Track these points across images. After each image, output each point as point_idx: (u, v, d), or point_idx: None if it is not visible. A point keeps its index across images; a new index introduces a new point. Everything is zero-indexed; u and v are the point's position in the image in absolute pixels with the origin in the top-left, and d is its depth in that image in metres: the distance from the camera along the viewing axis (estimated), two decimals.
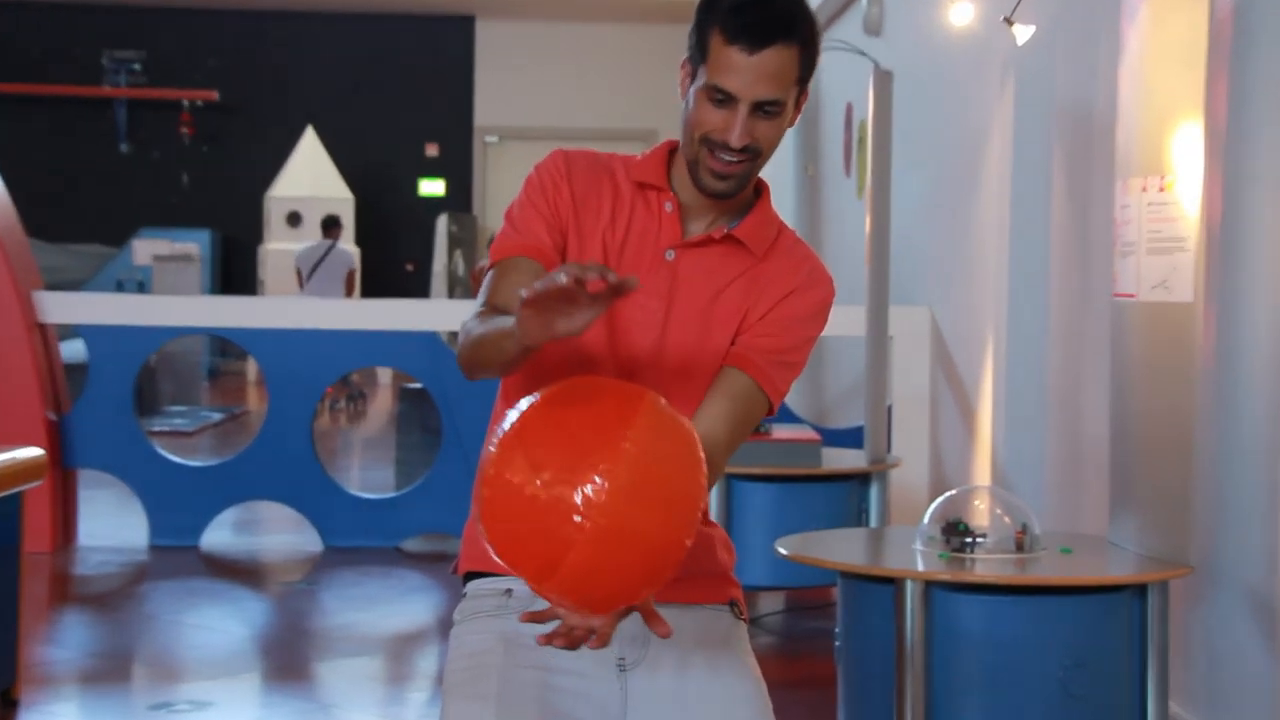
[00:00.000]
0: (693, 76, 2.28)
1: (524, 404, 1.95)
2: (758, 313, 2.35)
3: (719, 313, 2.33)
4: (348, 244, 19.85)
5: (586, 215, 2.32)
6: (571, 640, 1.99)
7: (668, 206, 2.33)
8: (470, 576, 2.43)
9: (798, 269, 2.38)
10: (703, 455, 1.96)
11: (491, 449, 1.93)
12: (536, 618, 2.00)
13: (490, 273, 2.30)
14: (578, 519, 1.83)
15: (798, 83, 2.28)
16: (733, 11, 2.22)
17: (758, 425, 2.36)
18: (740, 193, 2.32)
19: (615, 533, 1.84)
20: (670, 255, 2.33)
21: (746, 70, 2.21)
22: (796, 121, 2.36)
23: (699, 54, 2.26)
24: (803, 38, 2.25)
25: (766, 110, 2.25)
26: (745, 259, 2.35)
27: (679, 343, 2.31)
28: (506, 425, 1.93)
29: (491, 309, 2.21)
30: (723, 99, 2.23)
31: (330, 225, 16.58)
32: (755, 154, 2.26)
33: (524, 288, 1.88)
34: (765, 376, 2.32)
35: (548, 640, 2.01)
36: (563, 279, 1.82)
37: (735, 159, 2.25)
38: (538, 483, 1.85)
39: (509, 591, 2.32)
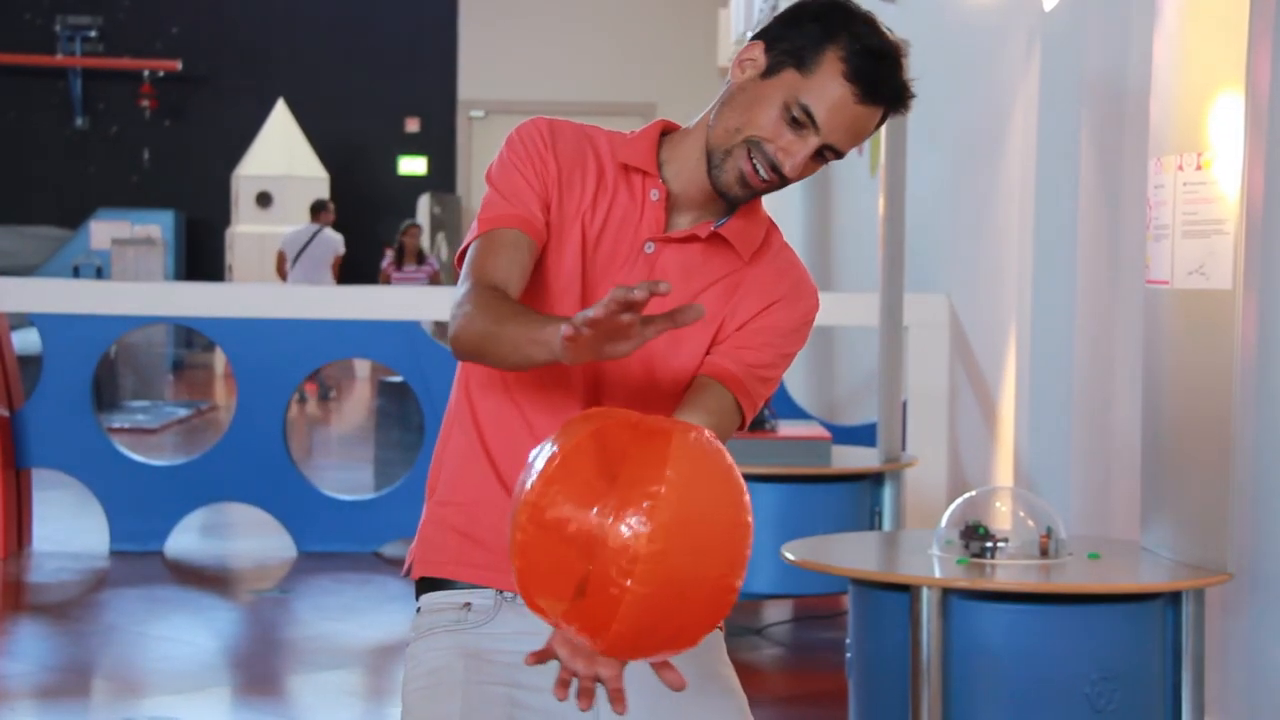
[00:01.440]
0: (773, 70, 2.27)
1: (551, 448, 1.96)
2: (736, 321, 2.34)
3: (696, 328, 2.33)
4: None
5: (569, 194, 2.30)
6: (579, 693, 2.02)
7: (653, 195, 2.32)
8: (425, 585, 2.42)
9: (782, 278, 2.38)
10: (744, 485, 1.97)
11: (524, 490, 1.94)
12: (540, 658, 2.03)
13: (477, 242, 2.28)
14: (627, 581, 1.85)
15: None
16: (867, 54, 2.25)
17: (731, 433, 2.36)
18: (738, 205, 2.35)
19: (664, 578, 1.86)
20: (650, 248, 2.31)
21: (845, 113, 2.25)
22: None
23: (800, 59, 2.25)
24: (896, 107, 2.34)
25: (826, 154, 2.28)
26: (729, 261, 2.35)
27: (647, 346, 2.28)
28: (540, 464, 1.94)
29: (480, 284, 2.20)
30: (798, 122, 2.24)
31: (318, 210, 16.75)
32: (786, 182, 2.28)
33: (566, 321, 1.93)
34: (744, 392, 2.33)
35: (536, 660, 2.04)
36: (617, 313, 1.87)
37: (771, 179, 2.27)
38: (578, 520, 1.88)
39: (468, 605, 2.32)
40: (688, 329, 2.28)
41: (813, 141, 2.24)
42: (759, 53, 2.30)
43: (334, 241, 16.69)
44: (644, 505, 1.86)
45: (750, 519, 1.95)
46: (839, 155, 2.28)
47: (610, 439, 1.93)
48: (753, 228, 2.36)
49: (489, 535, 2.28)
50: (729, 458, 1.97)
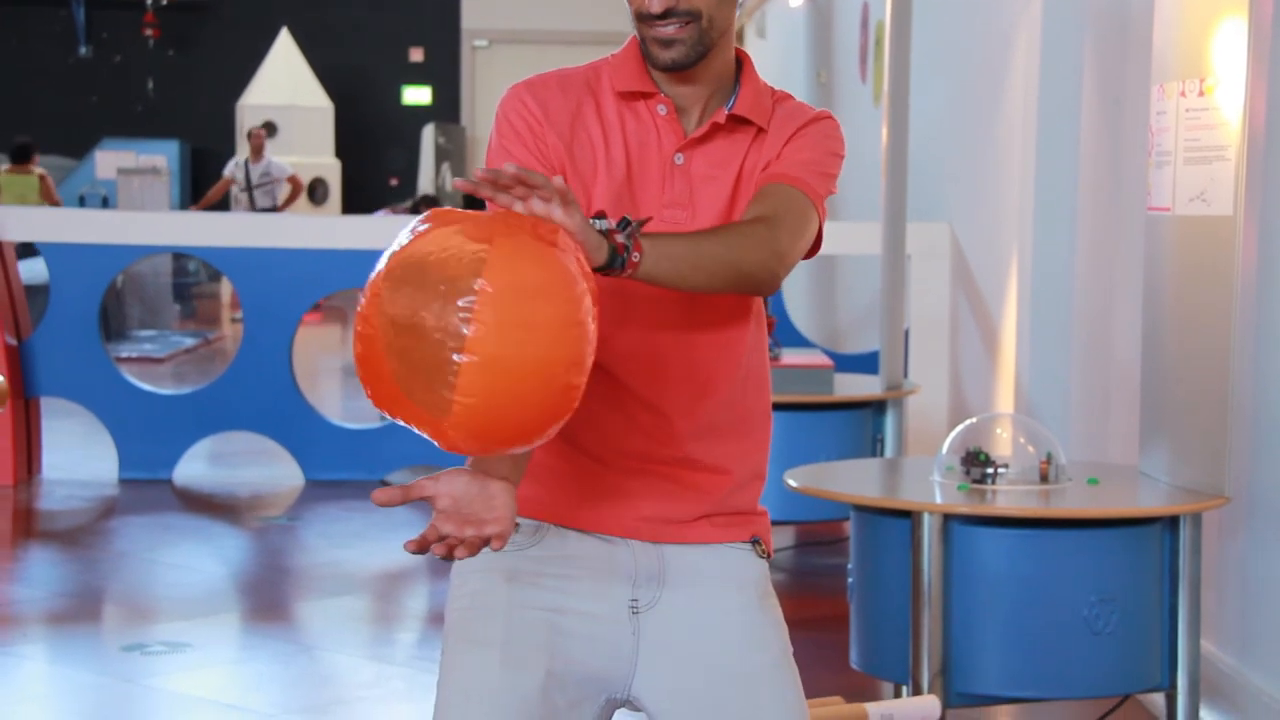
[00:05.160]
0: None
1: (389, 256, 1.98)
2: (765, 162, 2.31)
3: (744, 195, 2.30)
4: (326, 155, 19.92)
5: (580, 150, 2.28)
6: (466, 550, 2.03)
7: (661, 110, 2.30)
8: None
9: (797, 115, 2.34)
10: (579, 289, 1.94)
11: (364, 292, 1.96)
12: (419, 547, 2.04)
13: None
14: (458, 357, 1.87)
15: None
16: None
17: (813, 225, 2.29)
18: (699, 62, 2.26)
19: (495, 364, 1.88)
20: (680, 159, 2.29)
21: None
22: None
23: None
24: None
25: None
26: (750, 132, 2.32)
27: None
28: (376, 269, 1.96)
29: None
30: None
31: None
32: (691, 14, 2.21)
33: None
34: (802, 182, 2.27)
35: (419, 548, 2.03)
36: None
37: (669, 24, 2.21)
38: (417, 317, 1.90)
39: (515, 525, 2.32)
40: (744, 206, 2.27)
41: None
42: None
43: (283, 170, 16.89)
44: (472, 299, 1.88)
45: (586, 318, 1.94)
46: None
47: (438, 237, 1.95)
48: (760, 96, 2.33)
49: (534, 469, 2.28)
50: (559, 259, 1.94)
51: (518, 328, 1.88)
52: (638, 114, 2.30)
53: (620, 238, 1.99)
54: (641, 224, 2.03)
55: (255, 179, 16.66)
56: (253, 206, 16.44)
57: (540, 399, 1.93)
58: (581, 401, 1.96)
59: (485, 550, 2.26)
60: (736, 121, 2.31)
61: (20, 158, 16.07)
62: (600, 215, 2.02)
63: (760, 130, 2.31)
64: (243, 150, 18.02)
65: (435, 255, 1.91)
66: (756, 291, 2.20)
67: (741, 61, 2.36)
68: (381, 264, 1.95)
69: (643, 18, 2.23)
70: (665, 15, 2.20)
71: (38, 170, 16.11)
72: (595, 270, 1.97)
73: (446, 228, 1.94)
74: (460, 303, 1.87)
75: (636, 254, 1.99)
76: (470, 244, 1.90)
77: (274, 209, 16.38)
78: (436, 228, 1.94)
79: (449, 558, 2.03)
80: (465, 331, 1.86)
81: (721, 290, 2.15)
